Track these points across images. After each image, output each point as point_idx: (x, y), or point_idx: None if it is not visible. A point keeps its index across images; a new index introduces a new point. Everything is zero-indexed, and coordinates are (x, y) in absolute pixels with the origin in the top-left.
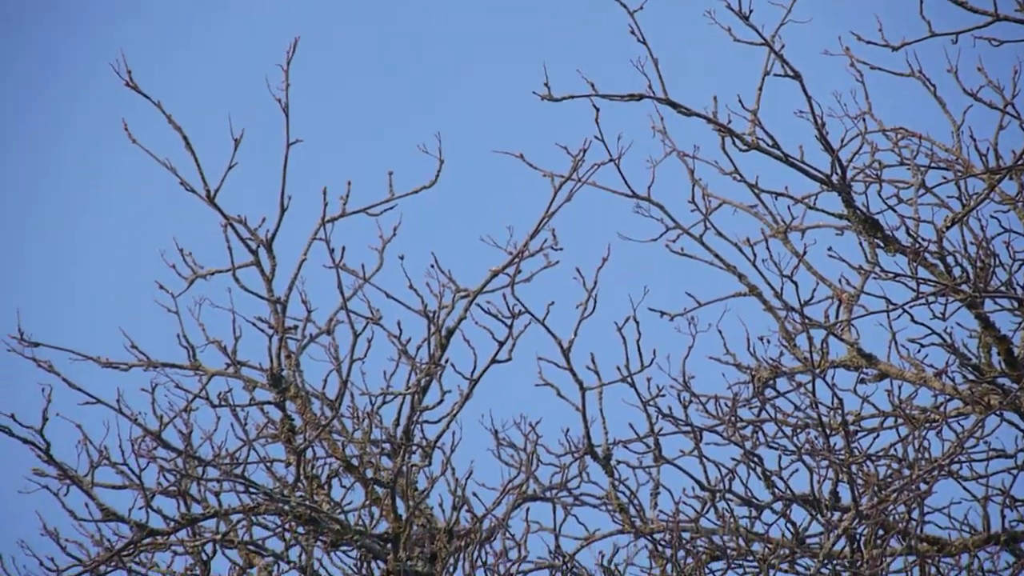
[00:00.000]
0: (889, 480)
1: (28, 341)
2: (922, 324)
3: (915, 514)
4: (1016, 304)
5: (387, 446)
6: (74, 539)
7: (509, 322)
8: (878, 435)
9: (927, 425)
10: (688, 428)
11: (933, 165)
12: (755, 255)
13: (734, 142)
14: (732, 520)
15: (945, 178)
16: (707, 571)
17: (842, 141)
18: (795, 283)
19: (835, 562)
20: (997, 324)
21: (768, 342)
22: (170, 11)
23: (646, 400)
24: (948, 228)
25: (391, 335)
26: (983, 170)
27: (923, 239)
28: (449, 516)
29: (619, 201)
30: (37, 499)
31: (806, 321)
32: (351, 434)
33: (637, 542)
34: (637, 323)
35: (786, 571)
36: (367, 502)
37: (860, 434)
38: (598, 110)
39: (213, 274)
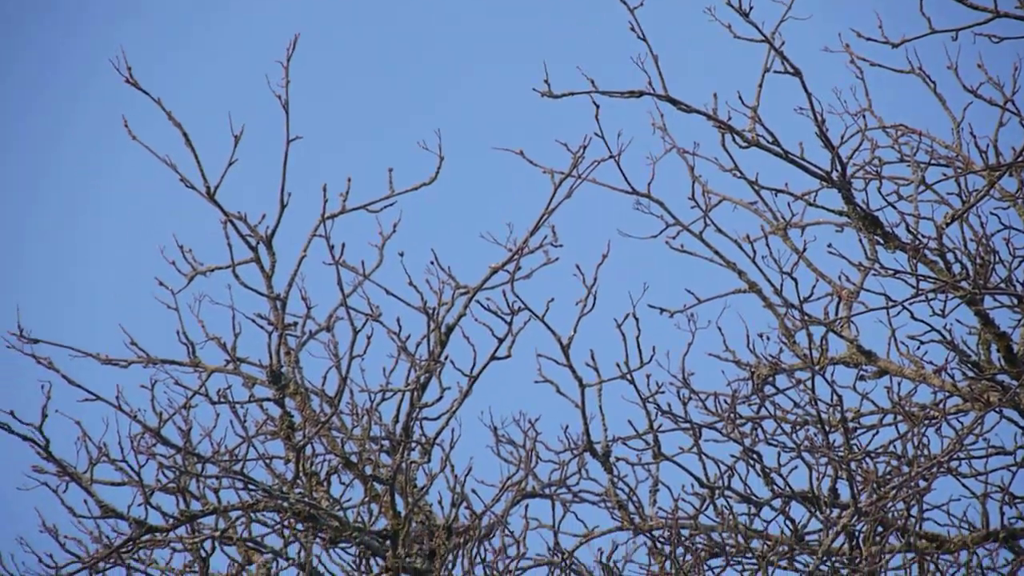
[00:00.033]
0: (888, 477)
1: (28, 338)
2: (922, 321)
3: (914, 511)
4: (1016, 301)
5: (386, 443)
6: (73, 536)
7: (509, 319)
8: (877, 432)
9: (926, 422)
10: (687, 425)
11: (933, 162)
12: (755, 252)
13: (734, 139)
14: (731, 517)
15: (945, 175)
16: (706, 568)
17: (842, 138)
18: (795, 280)
19: (834, 559)
20: (997, 321)
21: (768, 339)
22: (170, 10)
23: (645, 397)
24: (948, 225)
25: (391, 332)
26: (983, 167)
27: (923, 236)
28: (448, 513)
29: (619, 198)
30: (36, 496)
31: (806, 318)
32: (350, 431)
33: (636, 539)
34: (637, 320)
35: (785, 568)
36: (366, 499)
37: (859, 431)
38: (598, 107)
39: (213, 271)
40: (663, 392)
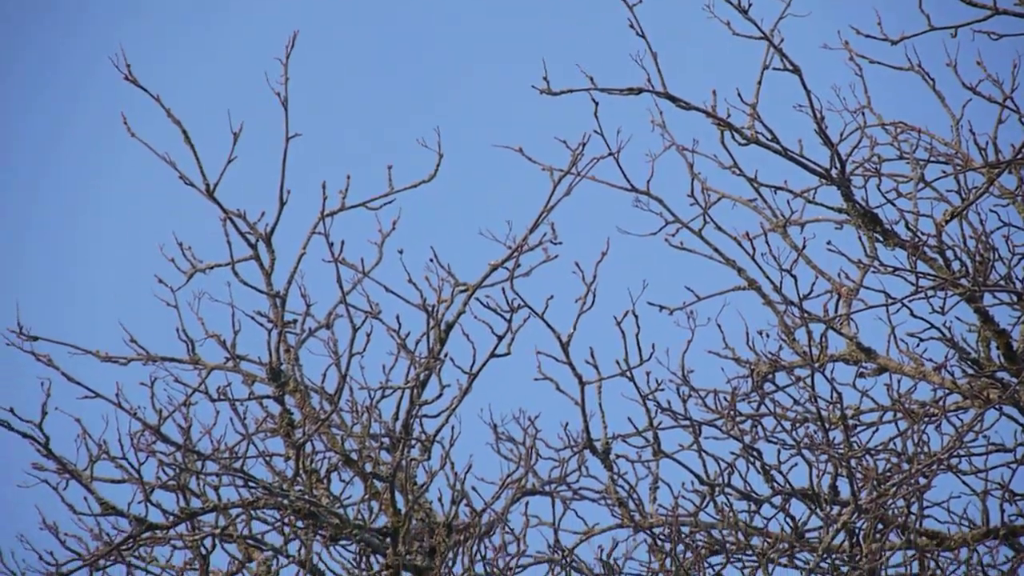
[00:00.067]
0: (888, 474)
1: (27, 335)
2: (921, 318)
3: (914, 508)
4: (1015, 298)
5: (386, 440)
6: (73, 533)
7: (508, 316)
8: (877, 429)
9: (926, 419)
10: (687, 422)
11: (932, 159)
12: (754, 249)
13: (733, 136)
14: (731, 514)
15: (944, 172)
16: (706, 565)
17: (841, 135)
18: (794, 277)
19: (834, 556)
20: (996, 318)
21: (767, 336)
22: (169, 9)
23: (645, 394)
24: (947, 222)
25: (390, 329)
26: (982, 164)
27: (922, 233)
28: (448, 510)
29: (618, 195)
30: (36, 493)
31: (805, 315)
32: (350, 428)
33: (636, 536)
34: (636, 317)
35: (785, 565)
36: (366, 496)
37: (859, 428)
38: (597, 104)
39: (212, 268)
40: (663, 389)
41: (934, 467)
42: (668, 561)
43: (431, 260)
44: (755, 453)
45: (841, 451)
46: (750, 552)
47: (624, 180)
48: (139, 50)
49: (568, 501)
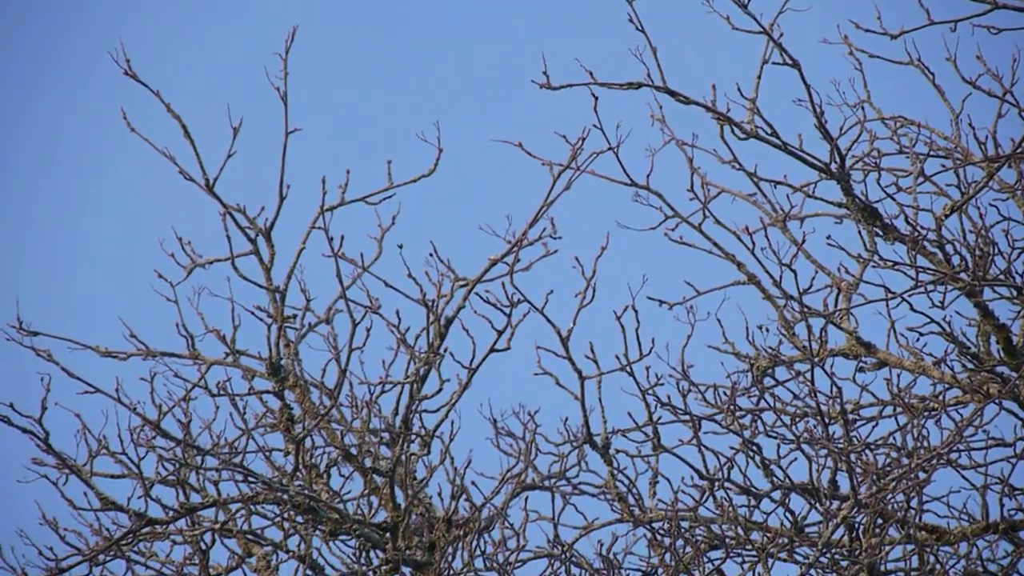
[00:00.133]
0: (888, 469)
1: (27, 330)
2: (921, 313)
3: (914, 503)
4: (1015, 292)
5: (386, 435)
6: (73, 528)
7: (508, 311)
8: (877, 424)
9: (926, 414)
10: (687, 417)
11: (932, 153)
12: (754, 244)
13: (733, 130)
14: (731, 509)
15: (944, 166)
16: (706, 560)
17: (841, 129)
18: (794, 272)
19: (834, 551)
20: (996, 312)
21: (767, 331)
22: (170, 5)
23: (645, 389)
24: (947, 216)
25: (390, 324)
26: (982, 158)
27: (922, 227)
28: (448, 505)
29: (618, 190)
30: (36, 488)
31: (805, 310)
32: (350, 423)
33: (636, 531)
34: (636, 312)
35: (785, 560)
36: (366, 491)
37: (859, 423)
38: (597, 99)
39: (212, 263)
40: (662, 384)
41: (934, 462)
42: (668, 556)
43: (431, 255)
44: (755, 448)
45: (841, 446)
46: (750, 547)
47: (624, 175)
48: (139, 46)
49: (568, 496)
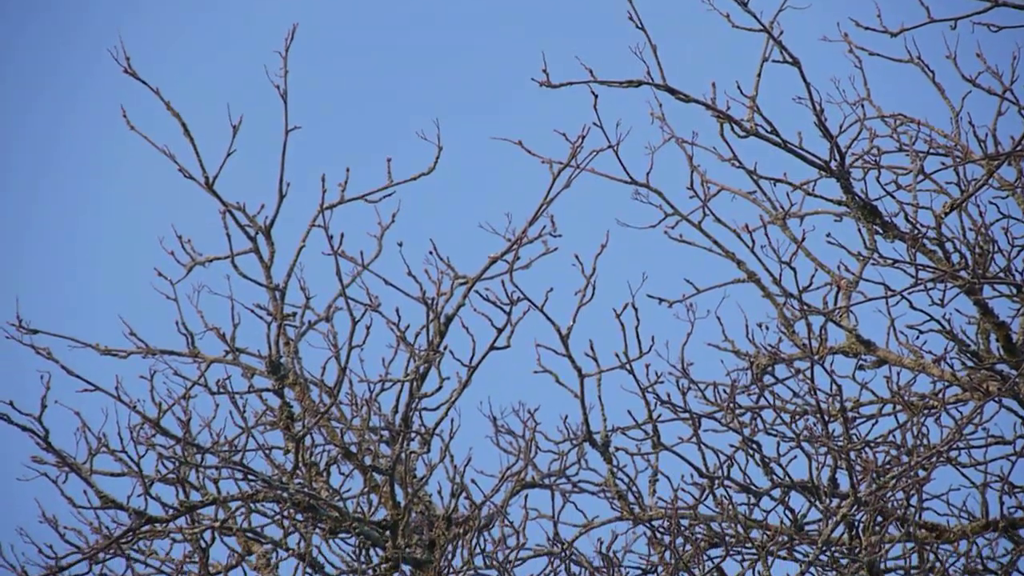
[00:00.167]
0: (888, 467)
1: (27, 328)
2: (921, 310)
3: (914, 501)
4: (1014, 290)
5: (386, 433)
6: (73, 526)
7: (508, 309)
8: (876, 422)
9: (926, 412)
10: (687, 415)
11: (932, 151)
12: (754, 241)
13: (733, 128)
14: (731, 507)
15: (944, 164)
16: (705, 558)
17: (841, 127)
18: (794, 269)
19: (833, 549)
20: (996, 310)
21: (767, 329)
22: (169, 2)
23: (644, 387)
24: (947, 214)
25: (390, 322)
26: (982, 156)
27: (922, 225)
28: (448, 503)
29: (618, 188)
30: (36, 486)
31: (805, 307)
32: (350, 421)
33: (636, 529)
34: (636, 310)
35: (784, 558)
36: (366, 489)
37: (858, 421)
38: (596, 96)
39: (212, 261)
40: (662, 382)
41: (933, 459)
42: (667, 554)
43: (430, 253)
44: (754, 446)
45: (840, 443)
46: (749, 545)
47: (623, 173)
48: (138, 44)
49: (567, 494)
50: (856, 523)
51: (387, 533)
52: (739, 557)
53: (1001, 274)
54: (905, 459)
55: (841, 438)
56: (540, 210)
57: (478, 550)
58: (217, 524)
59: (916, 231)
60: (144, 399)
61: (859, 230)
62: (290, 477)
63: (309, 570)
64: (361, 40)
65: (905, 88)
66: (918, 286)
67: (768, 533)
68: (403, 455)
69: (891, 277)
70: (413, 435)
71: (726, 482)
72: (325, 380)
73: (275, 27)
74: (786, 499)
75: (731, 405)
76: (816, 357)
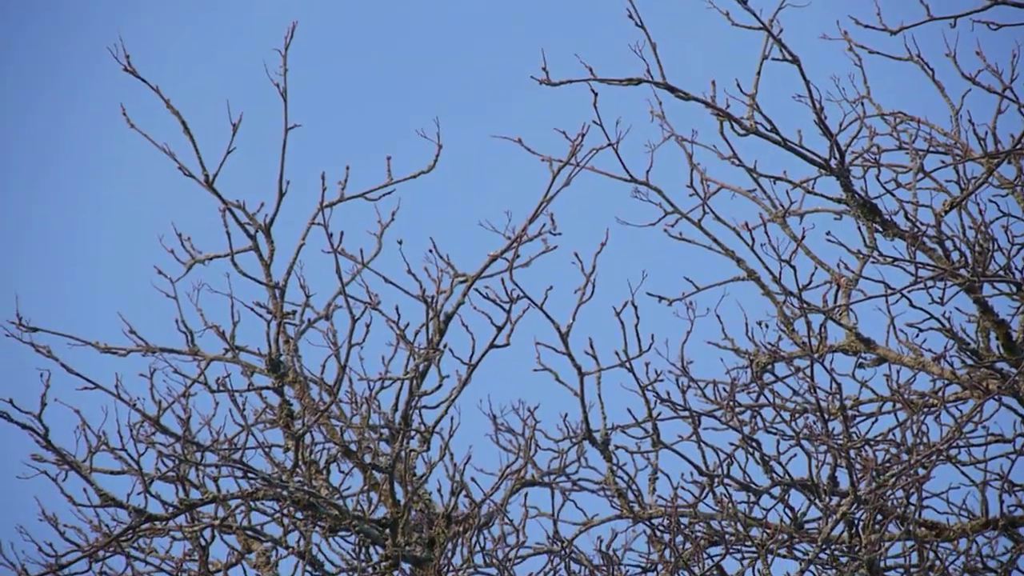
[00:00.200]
0: (887, 465)
1: (27, 326)
2: (920, 309)
3: (913, 499)
4: (1014, 288)
5: (385, 431)
6: (73, 524)
7: (507, 307)
8: (876, 420)
9: (925, 410)
10: (686, 413)
11: (932, 149)
12: (753, 240)
13: (732, 127)
14: (730, 505)
15: (944, 162)
16: (705, 556)
17: (840, 125)
18: (793, 268)
19: (833, 547)
20: (995, 308)
21: (766, 327)
22: (170, 5)
23: (644, 385)
24: (946, 212)
25: (389, 320)
26: (981, 154)
27: (921, 223)
28: (447, 501)
29: (617, 186)
30: (36, 484)
31: (804, 306)
32: (349, 419)
33: (635, 527)
34: (635, 308)
35: (784, 556)
36: (365, 487)
37: (858, 419)
38: (596, 94)
39: (211, 259)
40: (662, 380)
41: (933, 458)
42: (667, 552)
43: (430, 251)
44: (754, 444)
45: (840, 442)
46: (749, 543)
47: (623, 171)
48: (139, 45)
49: (567, 492)
50: (856, 521)
51: (387, 531)
52: (739, 555)
53: (1001, 272)
54: (905, 457)
55: (841, 436)
56: (540, 208)
57: (478, 548)
58: (217, 522)
59: (916, 229)
60: (144, 397)
61: (859, 228)
62: (290, 475)
63: (309, 568)
64: (361, 40)
65: (905, 86)
66: (918, 284)
67: (768, 531)
68: (403, 453)
69: (891, 275)
70: (413, 433)
71: (726, 480)
72: (325, 378)
73: (275, 26)
74: (786, 497)
75: (731, 403)
76: (816, 355)
